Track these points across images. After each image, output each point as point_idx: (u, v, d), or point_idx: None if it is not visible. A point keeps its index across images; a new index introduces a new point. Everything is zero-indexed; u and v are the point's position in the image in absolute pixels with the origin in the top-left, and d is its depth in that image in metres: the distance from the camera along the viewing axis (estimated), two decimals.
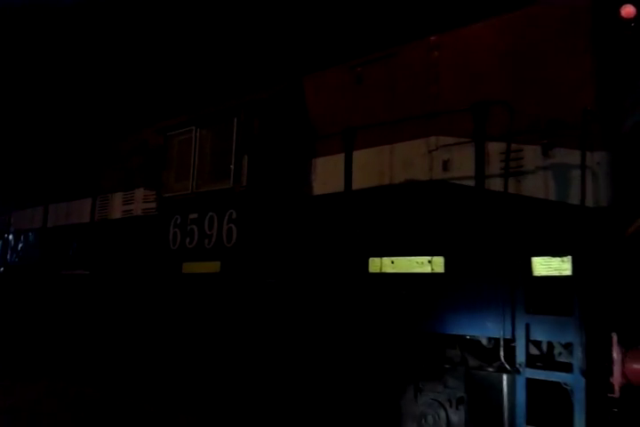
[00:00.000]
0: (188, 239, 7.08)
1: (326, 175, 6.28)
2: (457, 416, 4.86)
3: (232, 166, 6.55)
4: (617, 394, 3.86)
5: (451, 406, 4.88)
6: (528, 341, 4.31)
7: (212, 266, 6.64)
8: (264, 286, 6.18)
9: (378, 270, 5.04)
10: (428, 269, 4.70)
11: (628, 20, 4.46)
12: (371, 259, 5.13)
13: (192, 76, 8.08)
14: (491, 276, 4.51)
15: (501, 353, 4.28)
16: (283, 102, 6.56)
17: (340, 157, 6.19)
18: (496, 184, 4.98)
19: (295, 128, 6.51)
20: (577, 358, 4.01)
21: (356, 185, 6.03)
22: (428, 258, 4.74)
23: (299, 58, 6.81)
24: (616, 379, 3.85)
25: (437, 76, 5.51)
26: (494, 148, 5.04)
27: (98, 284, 8.70)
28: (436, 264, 4.66)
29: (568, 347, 4.25)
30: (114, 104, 10.12)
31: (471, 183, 5.13)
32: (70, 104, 10.62)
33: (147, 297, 7.78)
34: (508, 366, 4.25)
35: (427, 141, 5.52)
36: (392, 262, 4.94)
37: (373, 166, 5.94)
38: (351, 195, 5.71)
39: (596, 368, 3.98)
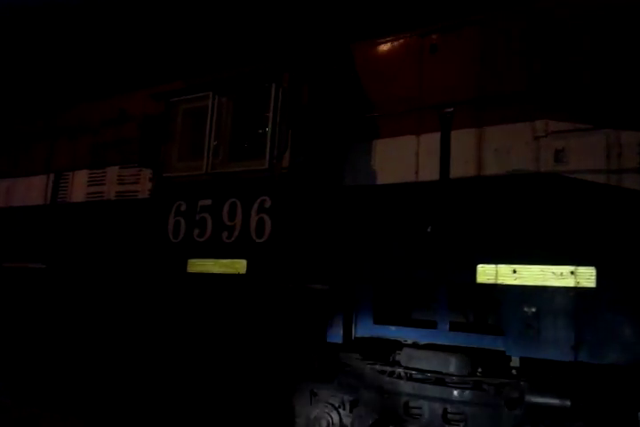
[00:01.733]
0: (196, 231, 5.71)
1: (386, 160, 5.20)
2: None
3: (268, 143, 5.29)
4: None
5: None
6: None
7: (235, 265, 5.32)
8: (308, 292, 4.98)
9: (491, 280, 4.03)
10: (570, 283, 3.76)
11: None
12: (480, 266, 4.11)
13: (201, 30, 6.61)
14: None
15: None
16: (336, 69, 5.39)
17: (406, 140, 5.14)
18: (629, 181, 4.16)
19: (348, 102, 5.37)
20: None
21: (426, 175, 5.02)
22: (571, 268, 3.79)
23: (348, 20, 5.65)
24: None
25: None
26: (629, 138, 4.20)
27: (58, 280, 7.04)
28: (584, 277, 3.71)
29: None
30: (73, 60, 8.38)
31: (593, 179, 4.27)
32: (17, 58, 8.72)
33: (128, 300, 6.31)
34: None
35: (532, 126, 4.60)
36: (514, 272, 3.95)
37: (452, 153, 4.95)
38: (449, 184, 4.65)
39: None
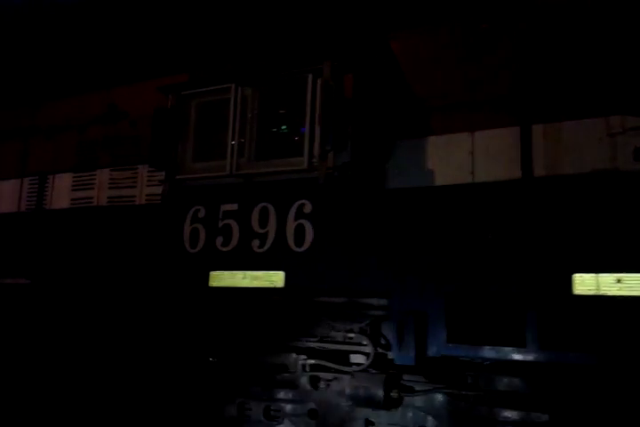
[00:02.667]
0: (219, 239, 5.05)
1: (436, 160, 4.73)
2: None
3: (307, 141, 4.72)
4: None
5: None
6: None
7: (271, 278, 4.71)
8: (360, 307, 4.44)
9: (593, 292, 3.61)
10: None
11: None
12: (578, 276, 3.68)
13: (213, 14, 5.86)
14: None
15: None
16: (381, 59, 4.89)
17: (458, 138, 4.71)
18: None
19: (391, 96, 4.88)
20: None
21: (483, 176, 4.59)
22: None
23: (389, 6, 5.15)
24: None
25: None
26: None
27: (47, 299, 6.17)
28: None
29: None
30: (50, 49, 7.49)
31: None
32: None
33: (136, 320, 5.56)
34: None
35: (606, 121, 4.25)
36: (618, 281, 3.54)
37: (508, 152, 4.54)
38: (533, 183, 4.20)
39: None
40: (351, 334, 4.56)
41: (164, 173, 5.75)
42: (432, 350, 4.08)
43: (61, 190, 6.80)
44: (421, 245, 4.44)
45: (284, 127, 5.05)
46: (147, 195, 6.17)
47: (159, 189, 5.94)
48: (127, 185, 6.32)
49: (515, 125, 4.54)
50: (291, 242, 4.70)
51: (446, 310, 4.10)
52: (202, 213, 5.21)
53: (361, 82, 4.71)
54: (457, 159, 4.68)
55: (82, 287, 5.96)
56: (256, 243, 4.87)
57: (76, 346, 5.95)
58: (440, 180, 4.68)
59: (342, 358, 4.70)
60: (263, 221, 4.88)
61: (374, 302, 4.44)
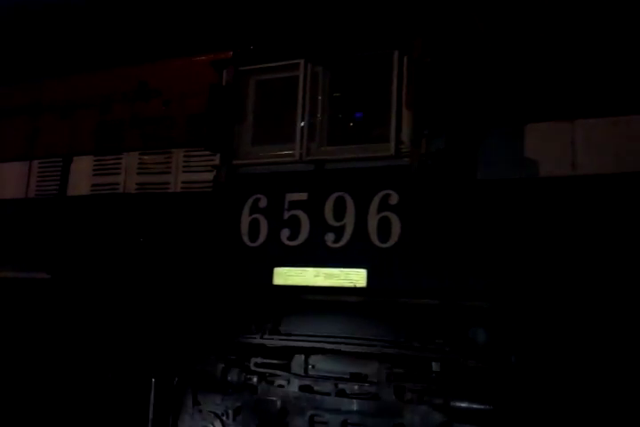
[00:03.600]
0: (285, 232, 4.52)
1: (530, 150, 4.32)
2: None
3: (393, 124, 4.24)
4: None
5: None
6: None
7: (350, 276, 4.22)
8: (459, 310, 4.00)
9: None
10: None
11: None
12: None
13: None
14: None
15: None
16: (475, 38, 4.44)
17: (556, 126, 4.31)
18: None
19: (484, 79, 4.44)
20: None
21: (586, 168, 4.21)
22: None
23: None
24: None
25: None
26: None
27: (71, 296, 5.48)
28: None
29: None
30: (70, 18, 6.75)
31: None
32: None
33: (187, 322, 4.95)
34: None
35: None
36: None
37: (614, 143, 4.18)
38: None
39: None
40: (439, 340, 4.12)
41: (204, 159, 5.27)
42: None
43: (80, 175, 6.11)
44: (523, 242, 4.02)
45: (359, 110, 4.56)
46: (182, 182, 5.58)
47: (197, 176, 5.43)
48: (160, 171, 5.70)
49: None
50: (373, 237, 4.22)
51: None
52: (263, 203, 4.68)
53: (456, 61, 4.26)
54: (553, 149, 4.30)
55: (114, 286, 5.31)
56: (330, 237, 4.37)
57: (101, 353, 5.31)
58: (538, 171, 4.28)
59: (424, 366, 4.25)
60: (339, 213, 4.38)
61: (472, 304, 4.01)
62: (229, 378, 4.57)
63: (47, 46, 6.59)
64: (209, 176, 5.30)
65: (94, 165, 6.05)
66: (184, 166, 5.57)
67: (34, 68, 6.67)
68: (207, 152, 5.28)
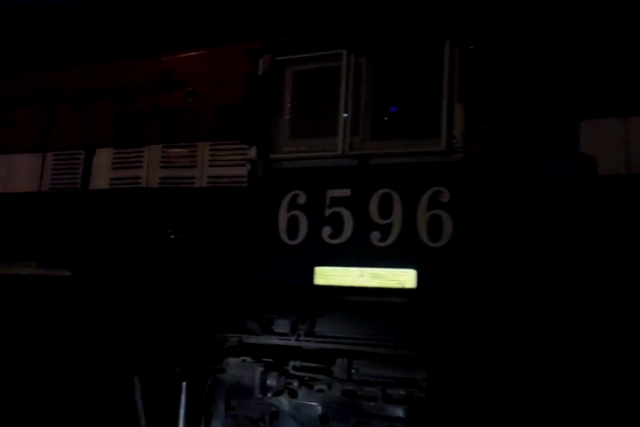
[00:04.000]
0: (327, 230, 4.33)
1: (588, 146, 4.15)
2: None
3: (444, 118, 4.05)
4: None
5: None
6: None
7: (398, 277, 4.03)
8: (516, 314, 3.82)
9: None
10: None
11: None
12: None
13: None
14: None
15: None
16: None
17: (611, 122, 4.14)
18: None
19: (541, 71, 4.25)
20: None
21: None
22: None
23: None
24: None
25: None
26: None
27: (96, 297, 5.21)
28: None
29: None
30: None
31: None
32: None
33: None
34: None
35: None
36: None
37: None
38: None
39: None
40: (494, 346, 3.94)
41: (231, 153, 5.08)
42: None
43: (98, 168, 5.87)
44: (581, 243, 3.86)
45: (404, 103, 4.37)
46: (209, 177, 5.36)
47: (224, 171, 5.22)
48: (184, 165, 5.47)
49: None
50: (423, 235, 4.04)
51: None
52: (302, 199, 4.47)
53: (512, 54, 4.08)
54: (607, 147, 4.14)
55: (139, 284, 5.07)
56: (376, 235, 4.18)
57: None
58: (595, 168, 4.10)
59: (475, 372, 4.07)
60: (385, 211, 4.19)
61: (529, 307, 3.84)
62: (269, 382, 4.38)
63: (63, 34, 6.32)
64: (237, 171, 5.10)
65: (113, 159, 5.81)
66: (210, 160, 5.35)
67: (48, 57, 6.38)
68: (234, 146, 5.11)
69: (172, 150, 5.57)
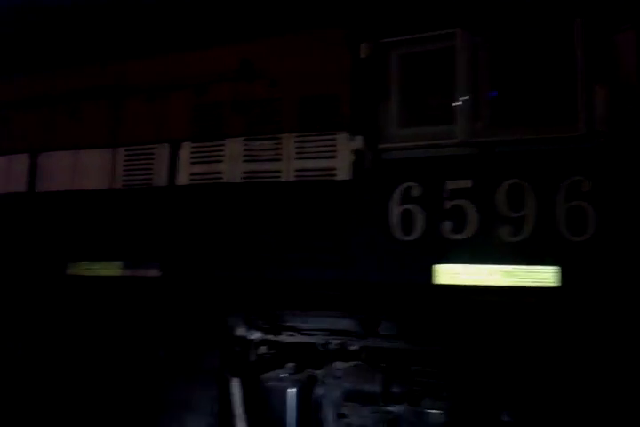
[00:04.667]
0: (447, 225, 4.00)
1: None
2: None
3: (581, 101, 3.71)
4: None
5: None
6: None
7: (538, 275, 3.70)
8: None
9: None
10: None
11: None
12: None
13: None
14: None
15: None
16: None
17: None
18: None
19: None
20: None
21: None
22: None
23: None
24: None
25: None
26: None
27: (185, 295, 4.93)
28: None
29: None
30: None
31: None
32: None
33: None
34: None
35: None
36: None
37: None
38: None
39: None
40: None
41: (319, 144, 4.79)
42: None
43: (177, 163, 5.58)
44: None
45: (528, 86, 4.02)
46: (296, 170, 5.06)
47: (312, 163, 4.91)
48: (269, 158, 5.17)
49: None
50: (563, 229, 3.71)
51: None
52: (416, 192, 4.14)
53: None
54: None
55: (232, 283, 4.77)
56: (507, 230, 3.84)
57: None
58: None
59: None
60: (515, 203, 3.86)
61: None
62: (393, 389, 4.08)
63: (132, 25, 6.02)
64: (326, 163, 4.81)
65: (192, 153, 5.52)
66: (297, 153, 5.05)
67: (117, 48, 6.09)
68: (322, 138, 4.83)
69: (255, 143, 5.28)
